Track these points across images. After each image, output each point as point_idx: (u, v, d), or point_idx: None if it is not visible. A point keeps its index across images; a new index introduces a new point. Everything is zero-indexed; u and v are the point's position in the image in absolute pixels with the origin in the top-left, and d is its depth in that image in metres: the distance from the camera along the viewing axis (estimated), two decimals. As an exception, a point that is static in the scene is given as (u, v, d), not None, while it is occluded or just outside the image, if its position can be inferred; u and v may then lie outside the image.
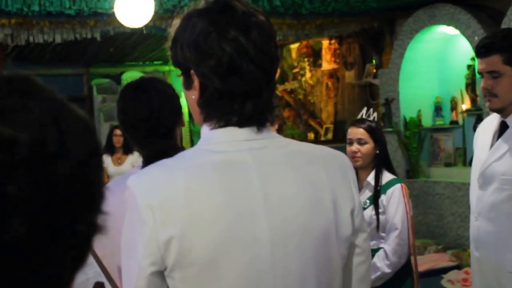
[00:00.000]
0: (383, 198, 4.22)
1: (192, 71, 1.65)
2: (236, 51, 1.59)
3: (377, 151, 4.28)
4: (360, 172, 4.35)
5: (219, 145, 1.64)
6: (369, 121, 4.36)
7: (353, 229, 1.74)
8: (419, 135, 8.35)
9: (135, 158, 8.17)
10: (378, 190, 4.24)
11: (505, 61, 3.15)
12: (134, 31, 7.89)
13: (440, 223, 7.73)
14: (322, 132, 10.68)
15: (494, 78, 3.18)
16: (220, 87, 1.62)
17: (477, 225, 3.35)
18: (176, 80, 12.84)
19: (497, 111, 3.28)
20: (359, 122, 4.36)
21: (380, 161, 4.30)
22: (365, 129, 4.30)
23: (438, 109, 8.37)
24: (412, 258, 4.25)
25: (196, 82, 1.66)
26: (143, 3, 5.95)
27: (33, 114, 0.78)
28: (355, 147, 4.29)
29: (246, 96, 1.63)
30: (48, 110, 0.80)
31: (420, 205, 7.82)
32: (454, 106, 8.18)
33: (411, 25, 8.10)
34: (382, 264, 4.17)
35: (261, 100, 1.66)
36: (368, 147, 4.27)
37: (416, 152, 8.28)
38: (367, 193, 4.31)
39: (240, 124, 1.64)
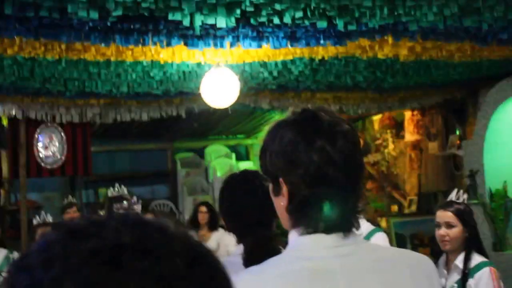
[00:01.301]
0: (471, 283, 4.13)
1: (280, 179, 1.70)
2: (323, 160, 1.64)
3: (467, 234, 4.24)
4: (449, 254, 4.31)
5: (308, 252, 1.67)
6: (458, 203, 4.33)
7: None
8: (505, 206, 8.18)
9: (220, 235, 8.18)
10: (466, 274, 4.16)
11: None
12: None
13: (531, 298, 7.49)
14: (406, 204, 10.57)
15: None
16: (308, 195, 1.66)
17: None
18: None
19: None
20: (447, 206, 4.34)
21: (469, 244, 4.24)
22: (453, 212, 4.26)
23: (525, 180, 8.22)
24: None
25: (284, 189, 1.70)
26: (228, 85, 6.09)
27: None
28: (443, 231, 4.26)
29: (334, 203, 1.66)
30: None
31: (508, 278, 7.61)
32: (541, 177, 8.02)
33: (494, 96, 8.03)
34: None
35: (347, 206, 1.69)
36: (457, 230, 4.23)
37: (502, 224, 8.09)
38: (455, 276, 4.24)
39: (328, 230, 1.67)
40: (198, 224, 8.72)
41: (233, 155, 12.66)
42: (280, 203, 1.74)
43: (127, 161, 12.53)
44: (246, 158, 13.07)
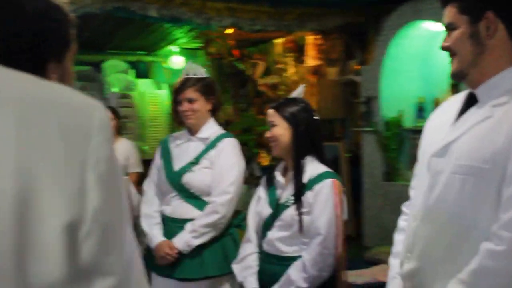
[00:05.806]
0: (309, 195, 3.47)
1: None
2: None
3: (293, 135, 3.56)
4: (287, 162, 3.65)
5: None
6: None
7: (71, 268, 0.92)
8: (399, 136, 7.95)
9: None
10: (301, 185, 3.49)
11: (461, 10, 2.46)
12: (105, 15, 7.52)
13: (416, 228, 7.34)
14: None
15: (451, 32, 2.51)
16: None
17: (414, 227, 2.63)
18: (159, 72, 12.50)
19: (458, 77, 2.52)
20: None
21: (299, 147, 3.55)
22: (274, 108, 3.62)
23: (420, 110, 7.95)
24: (341, 272, 3.54)
25: None
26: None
27: None
28: (268, 132, 3.61)
29: None
30: None
31: (398, 209, 7.41)
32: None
33: (395, 20, 7.70)
34: (298, 277, 3.37)
35: None
36: (279, 130, 3.57)
37: (395, 154, 7.86)
38: (292, 188, 3.56)
39: None
40: None
41: (133, 72, 12.18)
42: None
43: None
44: (146, 75, 12.64)
